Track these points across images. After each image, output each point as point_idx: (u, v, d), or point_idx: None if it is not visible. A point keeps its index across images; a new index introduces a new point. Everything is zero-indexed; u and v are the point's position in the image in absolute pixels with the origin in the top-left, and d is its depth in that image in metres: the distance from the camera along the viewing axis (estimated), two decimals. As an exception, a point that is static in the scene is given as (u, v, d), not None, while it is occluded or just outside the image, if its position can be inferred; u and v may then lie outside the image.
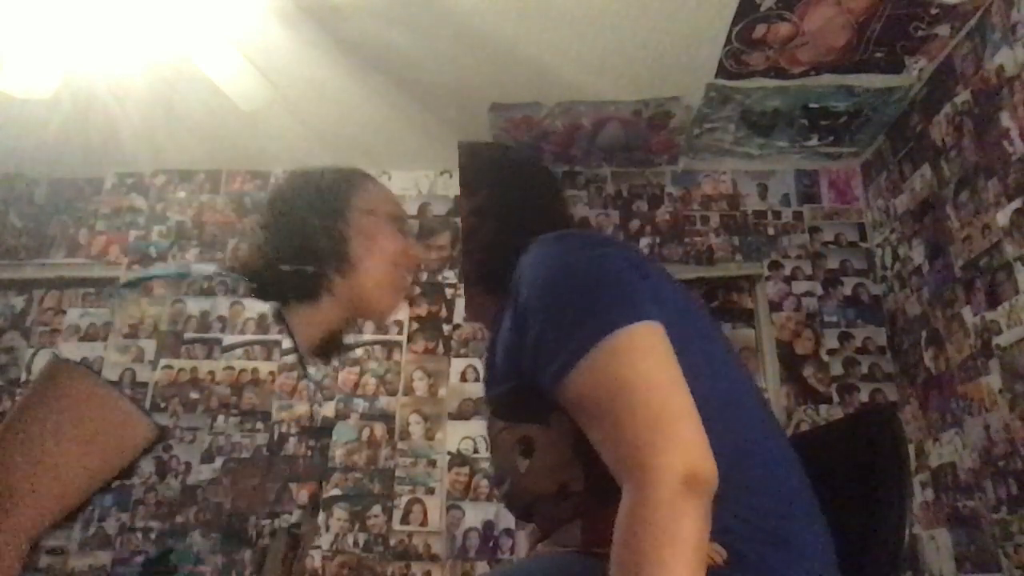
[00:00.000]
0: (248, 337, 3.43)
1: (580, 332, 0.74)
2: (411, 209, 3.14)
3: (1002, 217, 2.11)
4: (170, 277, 1.26)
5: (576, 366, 0.73)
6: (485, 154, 1.11)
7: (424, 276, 3.00)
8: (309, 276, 1.24)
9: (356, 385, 2.82)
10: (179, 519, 2.98)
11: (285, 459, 3.14)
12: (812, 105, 2.70)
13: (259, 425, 3.09)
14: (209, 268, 1.26)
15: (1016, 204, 2.06)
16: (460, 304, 2.95)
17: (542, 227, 0.92)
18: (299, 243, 1.21)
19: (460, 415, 2.76)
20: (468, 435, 2.72)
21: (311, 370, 1.31)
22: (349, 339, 3.13)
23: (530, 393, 0.81)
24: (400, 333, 2.91)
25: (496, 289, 0.94)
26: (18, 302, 3.09)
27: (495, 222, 0.99)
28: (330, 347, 1.27)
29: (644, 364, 0.71)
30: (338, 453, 2.71)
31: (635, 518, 0.65)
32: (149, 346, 3.26)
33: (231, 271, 1.23)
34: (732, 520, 0.73)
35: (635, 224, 3.05)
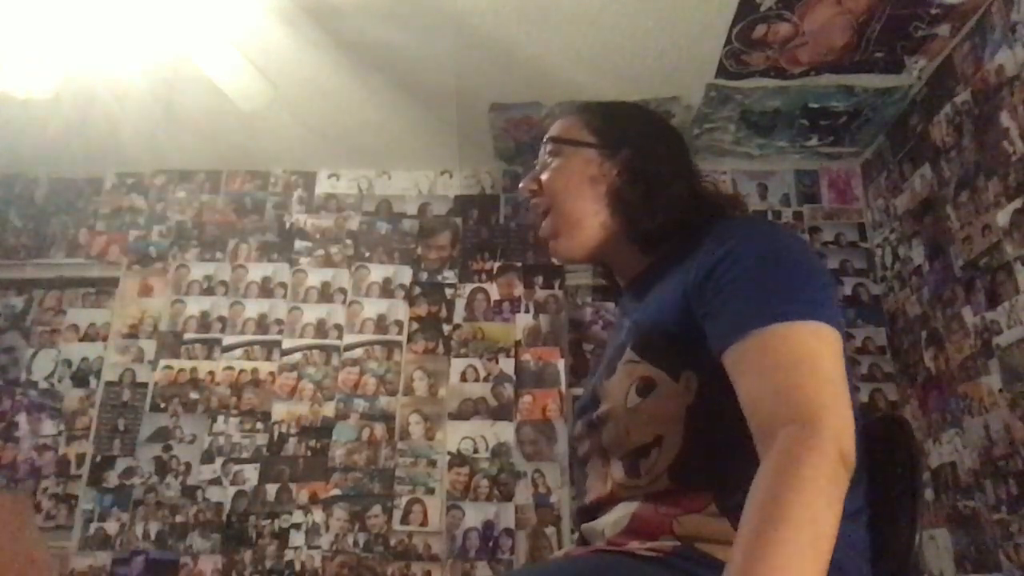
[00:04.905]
0: (248, 337, 3.45)
1: (788, 303, 0.77)
2: (411, 209, 3.14)
3: (1002, 217, 2.11)
4: None
5: (771, 327, 0.75)
6: (623, 112, 1.08)
7: (424, 276, 3.00)
8: None
9: (356, 385, 2.81)
10: (179, 519, 3.01)
11: (285, 459, 3.16)
12: (812, 105, 2.70)
13: (259, 425, 3.12)
14: None
15: (1016, 204, 2.06)
16: (460, 304, 2.95)
17: (690, 190, 0.98)
18: None
19: (460, 415, 2.76)
20: (468, 435, 2.72)
21: None
22: (350, 339, 3.13)
23: (678, 343, 0.83)
24: (400, 333, 2.90)
25: (648, 248, 0.98)
26: (18, 302, 3.09)
27: (643, 184, 0.97)
28: None
29: (835, 357, 0.75)
30: (338, 453, 2.71)
31: (796, 459, 0.66)
32: (149, 346, 3.30)
33: None
34: None
35: (635, 224, 3.05)
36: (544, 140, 1.07)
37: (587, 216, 1.00)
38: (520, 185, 1.09)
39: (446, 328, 2.91)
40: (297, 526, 2.62)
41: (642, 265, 1.00)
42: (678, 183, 0.98)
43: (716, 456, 0.79)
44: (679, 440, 0.80)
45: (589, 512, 0.91)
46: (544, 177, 1.04)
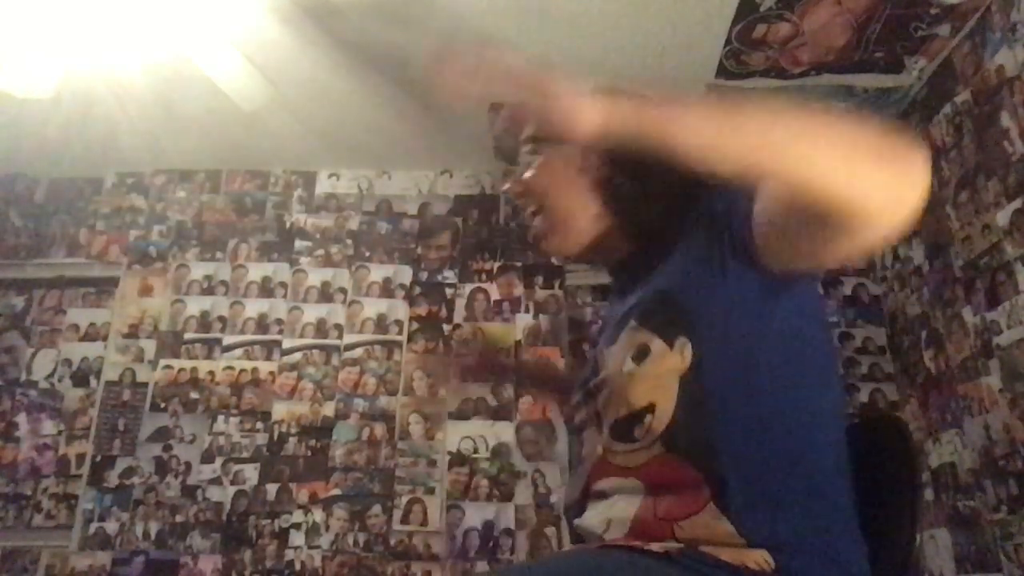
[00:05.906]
0: (248, 337, 3.46)
1: None
2: (411, 209, 3.14)
3: (1002, 217, 2.11)
4: None
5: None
6: None
7: (424, 276, 3.00)
8: None
9: (356, 385, 2.81)
10: (179, 519, 3.01)
11: (285, 459, 3.16)
12: (812, 105, 2.70)
13: (259, 425, 3.12)
14: None
15: (1016, 204, 2.06)
16: (460, 304, 2.95)
17: (673, 174, 0.94)
18: None
19: (460, 415, 2.76)
20: (468, 435, 2.72)
21: None
22: (350, 338, 3.12)
23: (678, 308, 0.83)
24: (400, 333, 2.90)
25: (643, 236, 0.96)
26: (18, 302, 3.09)
27: (630, 170, 0.93)
28: None
29: None
30: (338, 453, 2.71)
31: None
32: (149, 346, 3.31)
33: None
34: (790, 535, 0.75)
35: (635, 224, 3.05)
36: (521, 139, 1.03)
37: (578, 211, 0.96)
38: (504, 187, 1.05)
39: (446, 328, 2.91)
40: (297, 526, 2.62)
41: (632, 248, 0.97)
42: (667, 164, 0.97)
43: (710, 429, 0.78)
44: (671, 408, 0.80)
45: (584, 495, 0.90)
46: (528, 176, 1.00)
